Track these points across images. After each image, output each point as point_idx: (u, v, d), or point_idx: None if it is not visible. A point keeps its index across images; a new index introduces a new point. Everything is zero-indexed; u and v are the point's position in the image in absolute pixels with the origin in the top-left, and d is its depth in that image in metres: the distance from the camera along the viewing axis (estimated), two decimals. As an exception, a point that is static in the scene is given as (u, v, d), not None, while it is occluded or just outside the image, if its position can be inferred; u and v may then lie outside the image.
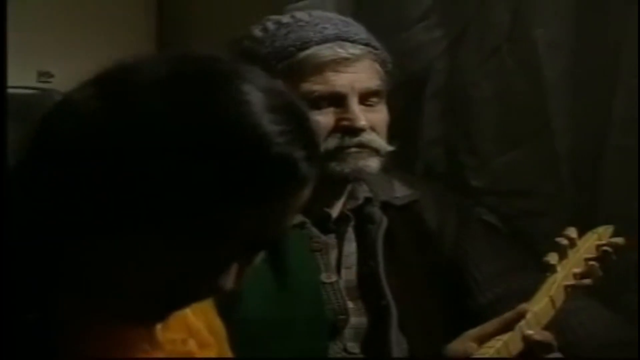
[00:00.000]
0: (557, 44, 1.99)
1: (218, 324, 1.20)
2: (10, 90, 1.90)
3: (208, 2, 2.33)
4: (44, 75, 2.28)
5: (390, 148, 1.75)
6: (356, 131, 1.70)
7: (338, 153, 1.72)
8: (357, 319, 1.73)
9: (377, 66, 1.75)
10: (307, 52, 1.70)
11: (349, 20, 1.79)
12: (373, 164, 1.74)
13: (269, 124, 0.93)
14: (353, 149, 1.71)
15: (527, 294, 1.51)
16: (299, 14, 1.78)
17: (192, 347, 1.13)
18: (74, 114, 0.99)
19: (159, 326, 1.09)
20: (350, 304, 1.73)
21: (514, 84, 2.03)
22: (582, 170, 2.03)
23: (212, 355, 1.18)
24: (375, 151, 1.72)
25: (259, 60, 1.69)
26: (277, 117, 0.94)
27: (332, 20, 1.76)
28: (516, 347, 1.42)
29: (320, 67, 1.70)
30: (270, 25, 1.76)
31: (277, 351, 1.62)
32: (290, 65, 1.70)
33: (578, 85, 2.01)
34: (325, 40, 1.71)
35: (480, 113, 2.07)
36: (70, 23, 2.29)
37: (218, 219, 0.93)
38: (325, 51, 1.70)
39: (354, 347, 1.73)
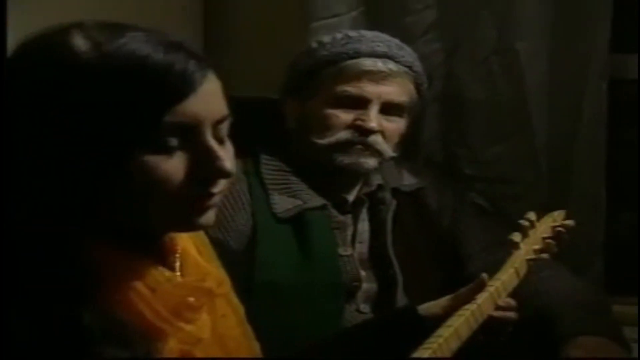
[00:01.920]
0: (536, 55, 2.12)
1: (223, 272, 1.23)
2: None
3: (249, 20, 2.35)
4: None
5: (393, 154, 1.84)
6: (366, 131, 1.79)
7: (346, 146, 1.80)
8: (368, 285, 1.84)
9: (410, 86, 1.84)
10: (355, 60, 1.80)
11: (402, 44, 1.87)
12: (371, 162, 1.82)
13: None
14: (359, 146, 1.80)
15: None
16: (362, 32, 1.87)
17: (211, 284, 1.16)
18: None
19: (177, 272, 1.13)
20: (362, 273, 1.84)
21: (500, 88, 2.16)
22: (557, 161, 2.17)
23: (227, 291, 1.22)
24: (378, 153, 1.81)
25: (314, 61, 1.84)
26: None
27: (386, 41, 1.85)
28: (488, 308, 1.47)
29: (359, 74, 1.79)
30: (325, 39, 1.86)
31: (300, 311, 1.70)
32: (338, 68, 1.80)
33: (554, 89, 2.14)
34: (373, 55, 1.80)
35: (472, 113, 2.20)
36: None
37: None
38: (368, 62, 1.79)
39: (365, 308, 1.84)
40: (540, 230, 1.62)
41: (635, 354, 1.80)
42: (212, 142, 1.05)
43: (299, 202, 1.81)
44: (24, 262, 1.01)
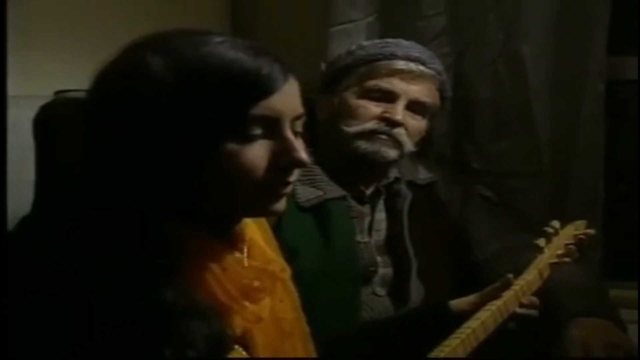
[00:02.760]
0: (539, 58, 2.16)
1: (283, 259, 1.27)
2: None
3: (273, 25, 2.39)
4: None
5: (412, 149, 1.87)
6: (392, 123, 1.82)
7: (371, 135, 1.82)
8: (384, 270, 1.87)
9: (434, 89, 1.88)
10: (389, 61, 1.84)
11: (434, 55, 1.93)
12: (392, 153, 1.83)
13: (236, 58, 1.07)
14: (383, 136, 1.82)
15: (514, 250, 1.70)
16: (400, 40, 1.91)
17: (274, 268, 1.20)
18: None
19: (245, 256, 1.17)
20: (379, 259, 1.87)
21: (506, 88, 2.19)
22: (558, 156, 2.19)
23: (287, 277, 1.25)
24: (399, 145, 1.83)
25: (352, 59, 1.87)
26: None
27: (420, 49, 1.90)
28: (513, 305, 1.50)
29: (391, 72, 1.83)
30: (365, 43, 1.92)
31: (320, 293, 1.68)
32: (373, 66, 1.85)
33: (555, 89, 2.17)
34: (407, 58, 1.85)
35: (479, 111, 2.23)
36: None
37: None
38: (401, 63, 1.84)
39: (381, 292, 1.86)
40: (563, 237, 1.65)
41: (630, 335, 1.79)
42: (291, 135, 1.11)
43: (320, 192, 1.83)
44: (114, 241, 1.05)
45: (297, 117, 1.13)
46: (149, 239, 1.07)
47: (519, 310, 1.51)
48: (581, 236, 1.67)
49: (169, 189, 1.08)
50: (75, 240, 1.04)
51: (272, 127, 1.10)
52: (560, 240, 1.65)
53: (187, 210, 1.10)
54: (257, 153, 1.09)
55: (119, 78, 1.10)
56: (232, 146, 1.07)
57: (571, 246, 1.64)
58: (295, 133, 1.13)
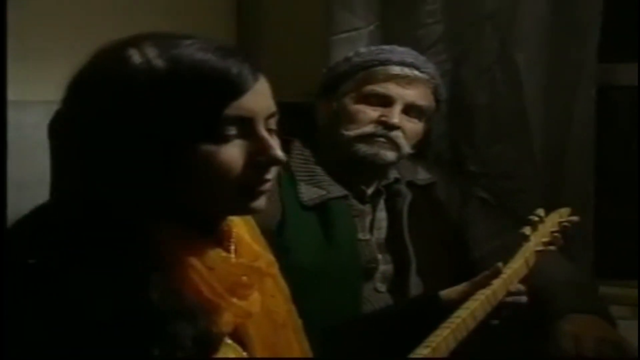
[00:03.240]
0: (534, 64, 2.17)
1: (271, 255, 1.26)
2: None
3: (278, 34, 2.41)
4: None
5: (410, 151, 1.89)
6: (389, 126, 1.84)
7: (370, 138, 1.84)
8: (384, 267, 1.89)
9: (429, 92, 1.90)
10: (385, 66, 1.87)
11: (428, 60, 1.96)
12: (390, 155, 1.85)
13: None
14: (381, 139, 1.84)
15: (509, 250, 1.65)
16: (394, 46, 1.94)
17: (261, 264, 1.18)
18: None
19: (232, 254, 1.16)
20: (379, 256, 1.88)
21: (502, 94, 2.20)
22: (551, 158, 2.20)
23: (275, 272, 1.24)
24: (397, 147, 1.85)
25: (350, 65, 1.90)
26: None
27: (414, 54, 1.93)
28: (502, 292, 1.52)
29: (387, 78, 1.86)
30: (362, 50, 1.95)
31: (322, 289, 1.71)
32: (370, 72, 1.87)
33: (549, 94, 2.19)
34: (401, 63, 1.87)
35: (476, 116, 2.24)
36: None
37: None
38: (397, 68, 1.87)
39: (381, 287, 1.88)
40: (548, 225, 1.66)
41: (620, 330, 1.80)
42: (265, 134, 1.10)
43: (323, 192, 1.85)
44: (97, 244, 1.03)
45: (270, 116, 1.12)
46: (133, 240, 1.05)
47: (508, 299, 1.52)
48: (565, 223, 1.68)
49: (150, 189, 1.07)
50: (60, 241, 1.03)
51: (246, 126, 1.09)
52: (546, 228, 1.66)
53: (170, 210, 1.09)
54: (233, 153, 1.08)
55: (94, 82, 1.09)
56: (207, 147, 1.06)
57: (556, 234, 1.65)
58: (270, 131, 1.12)
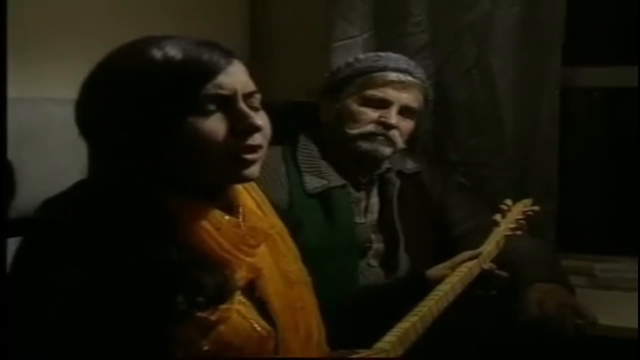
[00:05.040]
0: (506, 68, 2.27)
1: (278, 220, 1.32)
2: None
3: (284, 42, 2.50)
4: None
5: (403, 146, 1.97)
6: (388, 126, 1.91)
7: (370, 136, 1.91)
8: (376, 245, 1.98)
9: (421, 96, 1.98)
10: (382, 72, 1.94)
11: (418, 65, 2.02)
12: (387, 151, 1.93)
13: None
14: (380, 137, 1.92)
15: (485, 229, 1.73)
16: (389, 53, 2.00)
17: (263, 225, 1.25)
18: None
19: (241, 219, 1.22)
20: (373, 236, 1.98)
21: (478, 93, 2.30)
22: (521, 150, 2.29)
23: (279, 232, 1.29)
24: (393, 144, 1.93)
25: (351, 71, 1.96)
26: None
27: (407, 61, 1.99)
28: (477, 270, 1.59)
29: (385, 83, 1.93)
30: (361, 56, 2.01)
31: (324, 266, 1.67)
32: (369, 77, 1.94)
33: (519, 94, 2.28)
34: (397, 69, 1.94)
35: (456, 113, 2.33)
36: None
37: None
38: (393, 74, 1.94)
39: (374, 263, 1.97)
40: (514, 213, 1.75)
41: (577, 297, 1.85)
42: (244, 107, 1.17)
43: (325, 181, 1.92)
44: (121, 211, 1.12)
45: (250, 94, 1.18)
46: (149, 209, 1.12)
47: (497, 271, 1.62)
48: (529, 212, 1.77)
49: (153, 164, 1.14)
50: (91, 212, 1.10)
51: (225, 103, 1.15)
52: (513, 215, 1.74)
53: (177, 183, 1.16)
54: (214, 124, 1.14)
55: (108, 77, 1.17)
56: (192, 120, 1.13)
57: (521, 221, 1.73)
58: (255, 108, 1.18)
